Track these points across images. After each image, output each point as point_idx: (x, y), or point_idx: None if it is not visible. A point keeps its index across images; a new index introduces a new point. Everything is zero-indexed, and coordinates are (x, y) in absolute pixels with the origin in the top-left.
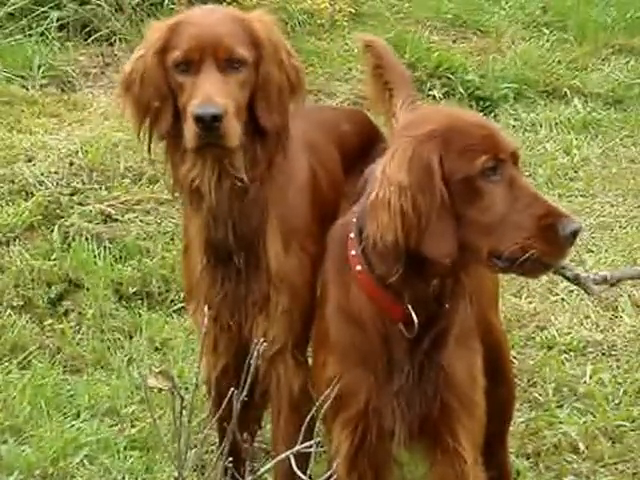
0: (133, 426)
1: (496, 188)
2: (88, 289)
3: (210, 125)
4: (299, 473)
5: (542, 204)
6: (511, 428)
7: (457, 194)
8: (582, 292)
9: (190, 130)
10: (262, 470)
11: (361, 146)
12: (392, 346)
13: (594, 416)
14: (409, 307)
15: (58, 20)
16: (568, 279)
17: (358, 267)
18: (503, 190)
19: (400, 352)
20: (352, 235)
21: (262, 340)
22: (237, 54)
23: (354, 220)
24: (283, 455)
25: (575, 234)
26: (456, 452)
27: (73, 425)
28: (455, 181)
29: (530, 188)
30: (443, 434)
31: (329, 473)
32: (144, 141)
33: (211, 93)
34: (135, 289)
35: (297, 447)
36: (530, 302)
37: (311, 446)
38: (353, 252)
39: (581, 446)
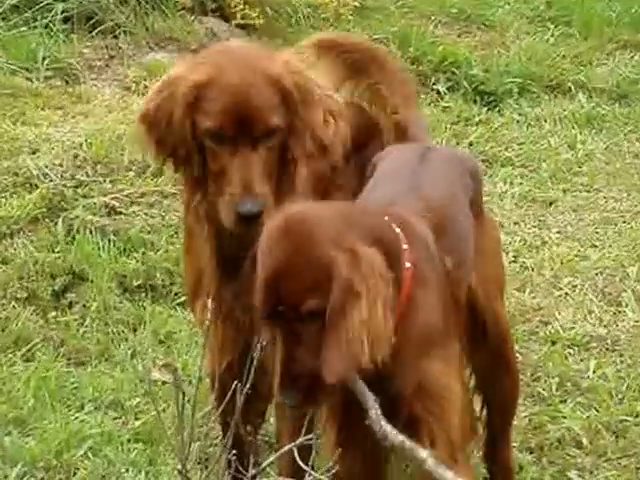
0: (137, 419)
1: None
2: (92, 282)
3: (252, 219)
4: (302, 465)
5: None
6: (514, 422)
7: None
8: (586, 287)
9: (229, 215)
10: (265, 463)
11: (357, 139)
12: None
13: (597, 411)
14: None
15: (63, 12)
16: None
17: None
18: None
19: None
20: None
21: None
22: (272, 125)
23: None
24: (286, 447)
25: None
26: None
27: (77, 417)
28: None
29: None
30: (420, 439)
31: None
32: (167, 169)
33: (251, 181)
34: (139, 282)
35: (300, 439)
36: (534, 297)
37: (314, 438)
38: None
39: (584, 441)
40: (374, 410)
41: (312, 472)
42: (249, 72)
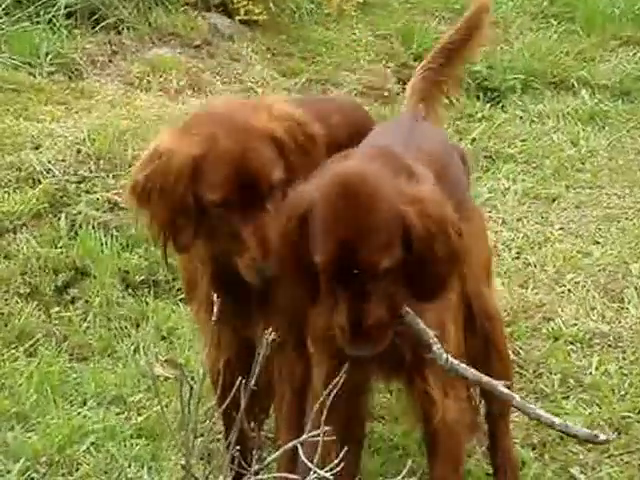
0: (139, 414)
1: (326, 286)
2: (95, 277)
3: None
4: (306, 461)
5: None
6: (517, 418)
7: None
8: (589, 284)
9: (251, 275)
10: (269, 459)
11: (349, 137)
12: None
13: (600, 407)
14: None
15: (66, 7)
16: None
17: None
18: (328, 291)
19: None
20: None
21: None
22: (275, 181)
23: None
24: (290, 444)
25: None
26: (425, 393)
27: (79, 413)
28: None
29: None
30: (414, 377)
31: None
32: (161, 247)
33: (269, 244)
34: (142, 277)
35: (304, 436)
36: (536, 293)
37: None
38: None
39: None
40: (437, 345)
41: (317, 470)
42: (242, 135)
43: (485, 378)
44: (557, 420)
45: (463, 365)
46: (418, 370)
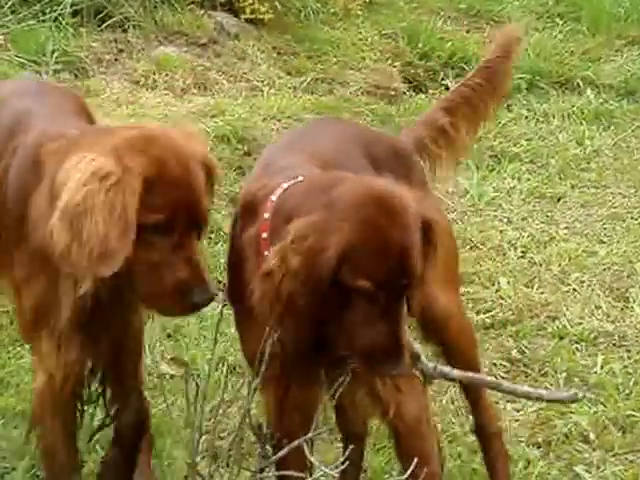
0: None
1: (363, 305)
2: None
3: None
4: (312, 459)
5: (387, 339)
6: (522, 417)
7: (333, 292)
8: (594, 283)
9: (180, 304)
10: (274, 458)
11: None
12: None
13: (605, 406)
14: None
15: (72, 6)
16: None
17: (266, 252)
18: (366, 310)
19: None
20: (267, 216)
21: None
22: (207, 206)
23: (272, 201)
24: (296, 442)
25: (394, 375)
26: (376, 393)
27: (85, 410)
28: (336, 282)
29: (393, 316)
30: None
31: (342, 458)
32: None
33: (203, 271)
34: None
35: (311, 434)
36: (542, 292)
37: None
38: (264, 235)
39: (592, 436)
40: (423, 355)
41: (322, 467)
42: (185, 159)
43: (470, 374)
44: (545, 392)
45: (447, 368)
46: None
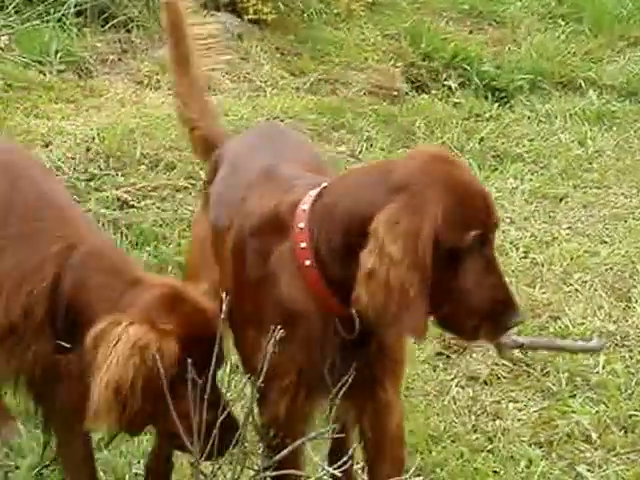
0: None
1: (474, 262)
2: None
3: None
4: (317, 460)
5: (504, 289)
6: (524, 417)
7: (437, 263)
8: (596, 283)
9: None
10: (277, 457)
11: None
12: (327, 341)
13: (607, 406)
14: (354, 312)
15: (76, 6)
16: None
17: (307, 262)
18: (478, 266)
19: (333, 347)
20: (301, 226)
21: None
22: None
23: (304, 210)
24: (299, 442)
25: (516, 325)
26: (385, 401)
27: None
28: (439, 251)
29: (499, 267)
30: (376, 390)
31: (346, 460)
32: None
33: None
34: None
35: (313, 434)
36: (544, 292)
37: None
38: (303, 245)
39: (593, 435)
40: None
41: (325, 467)
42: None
43: (559, 341)
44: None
45: (530, 338)
46: (379, 382)
